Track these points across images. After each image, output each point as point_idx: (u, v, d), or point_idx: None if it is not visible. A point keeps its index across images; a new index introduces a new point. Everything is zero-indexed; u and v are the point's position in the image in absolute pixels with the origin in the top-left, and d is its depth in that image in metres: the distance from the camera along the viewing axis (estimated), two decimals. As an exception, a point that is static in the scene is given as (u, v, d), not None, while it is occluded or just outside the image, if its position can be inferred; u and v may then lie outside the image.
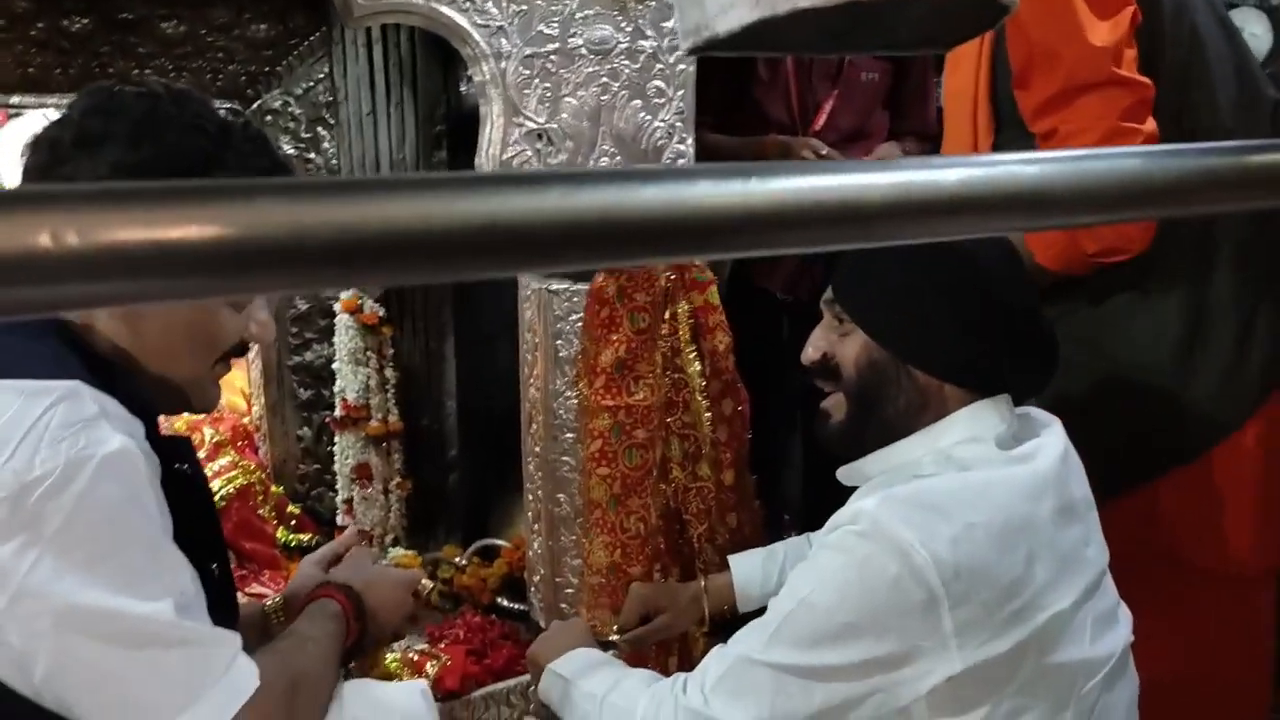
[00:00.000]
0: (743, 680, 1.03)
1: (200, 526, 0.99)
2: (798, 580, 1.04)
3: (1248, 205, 0.54)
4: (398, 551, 1.42)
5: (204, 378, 1.06)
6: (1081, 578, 1.04)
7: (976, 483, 1.02)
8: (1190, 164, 0.51)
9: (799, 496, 2.46)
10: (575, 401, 1.75)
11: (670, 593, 1.49)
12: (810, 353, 1.17)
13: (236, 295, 0.51)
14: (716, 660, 1.07)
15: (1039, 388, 1.15)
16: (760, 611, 1.10)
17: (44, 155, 0.94)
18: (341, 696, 1.08)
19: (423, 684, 1.22)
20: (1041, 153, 0.47)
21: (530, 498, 1.89)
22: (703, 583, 1.48)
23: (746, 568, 1.47)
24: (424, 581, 1.36)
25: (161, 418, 1.03)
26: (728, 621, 1.45)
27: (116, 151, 0.91)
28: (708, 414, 1.72)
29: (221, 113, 1.02)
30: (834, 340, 1.15)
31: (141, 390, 0.99)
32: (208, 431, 2.23)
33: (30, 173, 0.94)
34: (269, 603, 1.30)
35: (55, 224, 0.29)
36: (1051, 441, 1.10)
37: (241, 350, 1.08)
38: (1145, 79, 1.34)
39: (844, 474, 1.17)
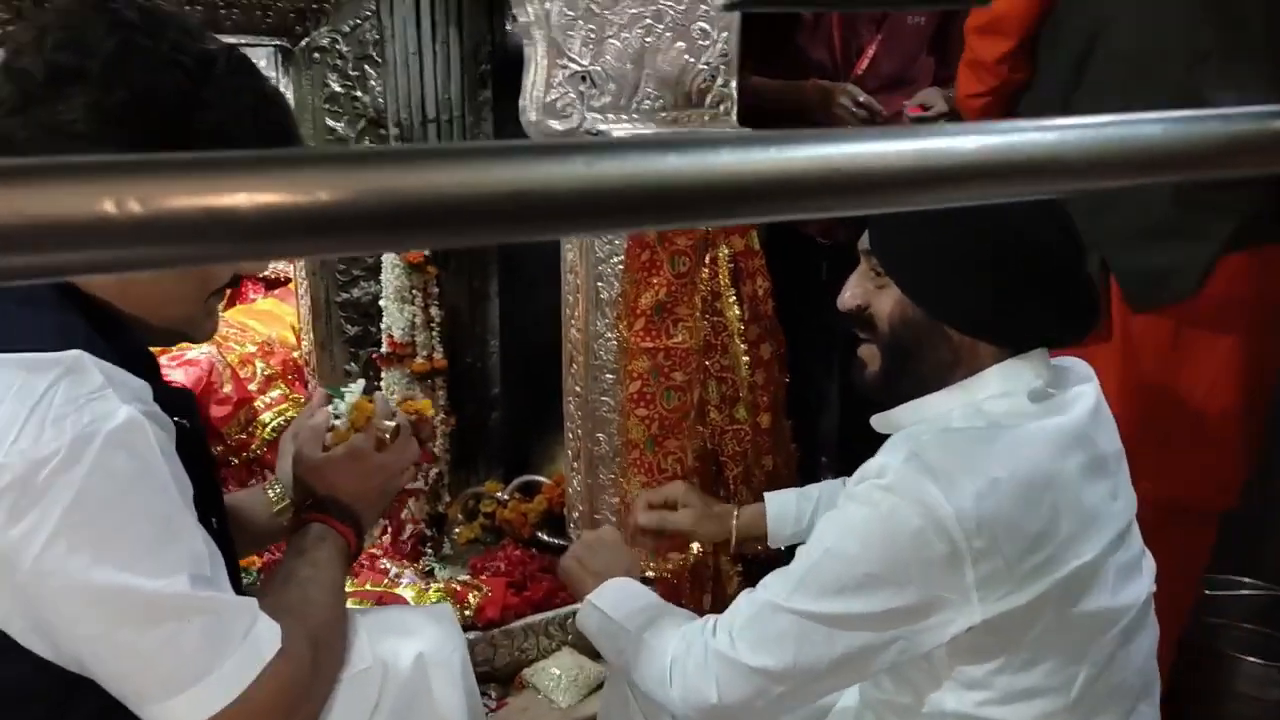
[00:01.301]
0: (769, 626, 1.05)
1: (199, 482, 0.97)
2: (824, 530, 1.06)
3: (1271, 169, 0.54)
4: (354, 392, 1.31)
5: (198, 314, 1.04)
6: (1107, 530, 1.04)
7: (1004, 437, 1.03)
8: (1212, 129, 0.51)
9: (835, 440, 2.48)
10: (615, 343, 1.78)
11: (705, 501, 1.52)
12: (847, 299, 1.17)
13: (280, 258, 0.53)
14: (745, 604, 1.09)
15: (1077, 341, 1.15)
16: (790, 553, 1.12)
17: (14, 90, 0.89)
18: (363, 630, 1.10)
19: (447, 607, 1.24)
20: (1060, 119, 0.48)
21: (570, 436, 1.92)
22: (735, 510, 1.51)
23: (780, 504, 1.49)
24: (382, 423, 1.24)
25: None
26: (760, 560, 1.48)
27: (91, 92, 0.87)
28: (746, 357, 1.75)
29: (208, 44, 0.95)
30: (870, 290, 1.15)
31: (140, 336, 0.99)
32: (259, 365, 2.29)
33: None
34: (272, 493, 1.28)
35: (119, 192, 0.32)
36: (1085, 394, 1.10)
37: (234, 283, 1.06)
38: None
39: (877, 421, 1.18)
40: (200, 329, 1.06)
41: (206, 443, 1.13)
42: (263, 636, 0.93)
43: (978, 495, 0.97)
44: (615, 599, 1.29)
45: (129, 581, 0.85)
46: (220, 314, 2.45)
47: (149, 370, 0.98)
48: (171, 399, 0.97)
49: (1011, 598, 0.98)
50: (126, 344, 0.95)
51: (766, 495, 1.52)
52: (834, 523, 1.05)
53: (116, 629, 0.86)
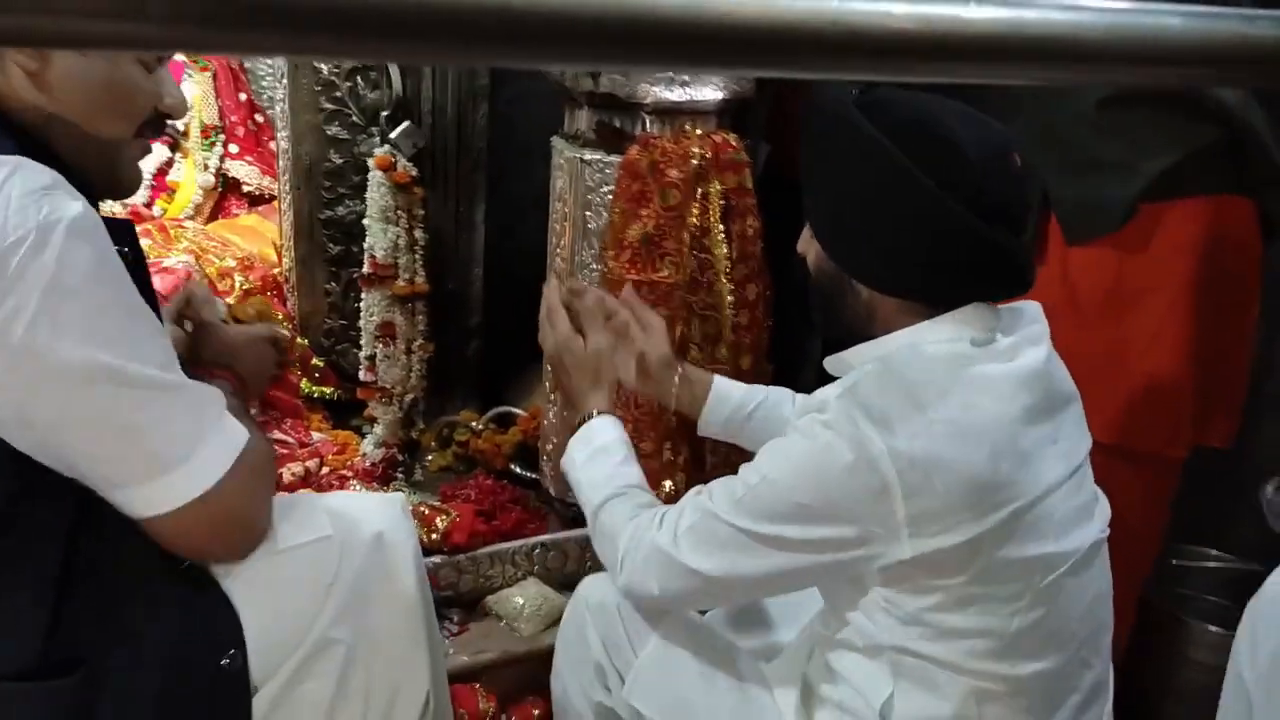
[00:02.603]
0: (709, 533, 1.10)
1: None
2: (764, 457, 1.10)
3: (1288, 81, 0.52)
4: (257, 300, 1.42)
5: (127, 144, 1.04)
6: (1049, 475, 1.04)
7: (944, 378, 1.03)
8: (1234, 30, 0.49)
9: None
10: (600, 274, 1.75)
11: (670, 357, 1.44)
12: (798, 245, 1.20)
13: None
14: (691, 509, 1.14)
15: (1007, 298, 1.13)
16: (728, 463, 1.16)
17: None
18: (321, 506, 1.11)
19: (399, 495, 1.24)
20: (1079, 1, 0.45)
21: (548, 367, 1.90)
22: (680, 369, 1.45)
23: (725, 389, 1.44)
24: (280, 332, 1.36)
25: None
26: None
27: None
28: (731, 297, 1.72)
29: None
30: (808, 238, 1.18)
31: (74, 169, 0.98)
32: (238, 279, 2.26)
33: None
34: None
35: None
36: (1034, 337, 1.10)
37: (159, 127, 1.06)
38: None
39: (830, 363, 1.20)
40: (130, 171, 1.06)
41: (148, 273, 1.10)
42: (233, 425, 0.98)
43: (911, 435, 1.00)
44: (586, 456, 1.31)
45: (113, 361, 0.88)
46: (202, 229, 2.41)
47: (85, 195, 0.96)
48: (112, 227, 0.96)
49: (943, 537, 1.00)
50: (57, 166, 0.93)
51: (716, 379, 1.46)
52: (774, 451, 1.09)
53: (104, 405, 0.88)
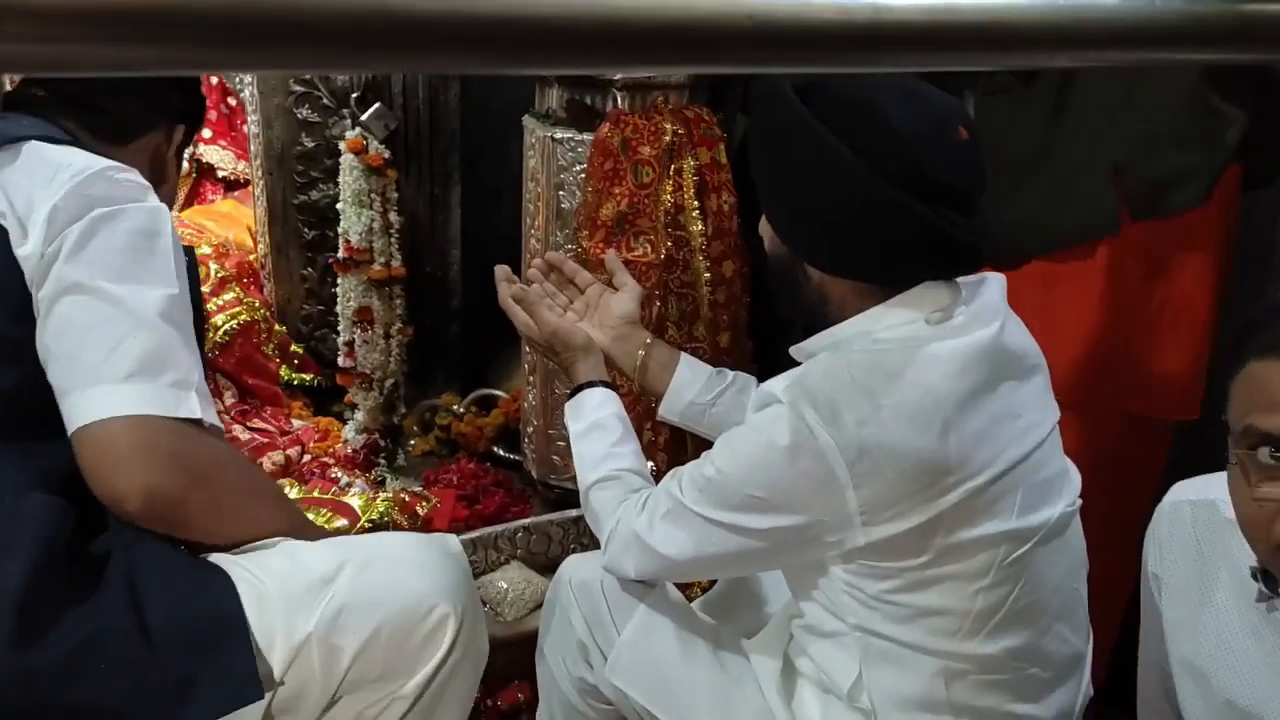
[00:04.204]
0: (678, 522, 1.12)
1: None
2: (719, 448, 1.10)
3: (1239, 56, 0.50)
4: None
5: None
6: (1009, 451, 1.03)
7: (892, 362, 1.02)
8: (1173, 8, 0.47)
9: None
10: (575, 255, 1.73)
11: (637, 322, 1.41)
12: (759, 228, 1.19)
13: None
14: (664, 498, 1.15)
15: (963, 274, 1.10)
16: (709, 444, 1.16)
17: None
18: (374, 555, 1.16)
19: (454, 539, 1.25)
20: (1007, -17, 0.43)
21: (527, 349, 1.89)
22: (649, 340, 1.40)
23: (692, 371, 1.39)
24: None
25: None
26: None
27: None
28: (707, 274, 1.70)
29: None
30: (764, 221, 1.16)
31: None
32: (213, 266, 2.23)
33: None
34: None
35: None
36: (989, 310, 1.07)
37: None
38: None
39: (794, 352, 1.18)
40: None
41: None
42: (184, 399, 1.03)
43: (859, 423, 0.99)
44: (582, 430, 1.32)
45: (105, 284, 1.01)
46: (177, 216, 2.41)
47: None
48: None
49: (897, 522, 1.00)
50: None
51: (684, 358, 1.41)
52: (727, 442, 1.09)
53: (80, 312, 1.01)
